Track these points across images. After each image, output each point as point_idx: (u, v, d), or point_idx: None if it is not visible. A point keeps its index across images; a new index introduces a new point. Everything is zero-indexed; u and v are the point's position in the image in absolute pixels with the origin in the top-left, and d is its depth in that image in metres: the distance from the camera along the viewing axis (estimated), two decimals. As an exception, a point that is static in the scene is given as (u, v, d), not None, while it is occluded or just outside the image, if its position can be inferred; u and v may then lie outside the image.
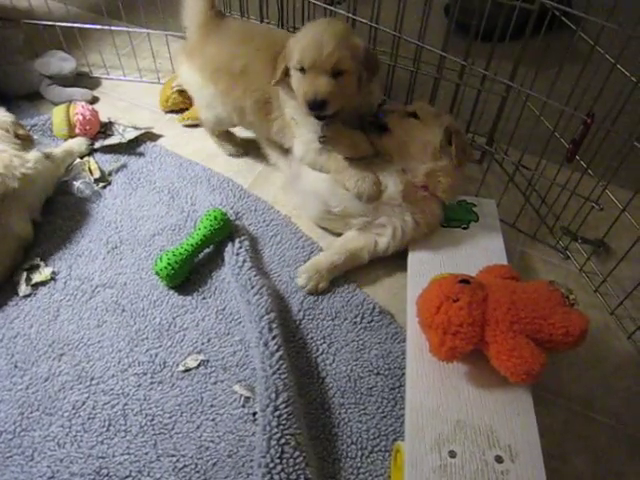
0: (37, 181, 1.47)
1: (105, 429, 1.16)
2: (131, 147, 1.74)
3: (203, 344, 1.30)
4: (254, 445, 1.12)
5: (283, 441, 1.06)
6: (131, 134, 1.74)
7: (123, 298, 1.37)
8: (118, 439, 1.14)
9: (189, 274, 1.41)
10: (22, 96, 1.89)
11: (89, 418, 1.17)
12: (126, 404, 1.19)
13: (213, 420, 1.17)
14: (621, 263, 1.36)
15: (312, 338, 1.31)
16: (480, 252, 1.38)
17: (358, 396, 1.22)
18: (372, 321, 1.34)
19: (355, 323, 1.34)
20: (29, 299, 1.36)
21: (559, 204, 1.51)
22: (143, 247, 1.48)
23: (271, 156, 1.70)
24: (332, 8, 1.68)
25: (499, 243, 1.41)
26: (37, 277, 1.39)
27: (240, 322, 1.34)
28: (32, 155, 1.47)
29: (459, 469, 0.97)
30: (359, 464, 1.12)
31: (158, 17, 1.89)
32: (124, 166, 1.69)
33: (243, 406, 1.20)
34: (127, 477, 1.09)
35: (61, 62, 1.89)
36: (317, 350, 1.29)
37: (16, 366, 1.25)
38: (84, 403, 1.19)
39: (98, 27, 1.96)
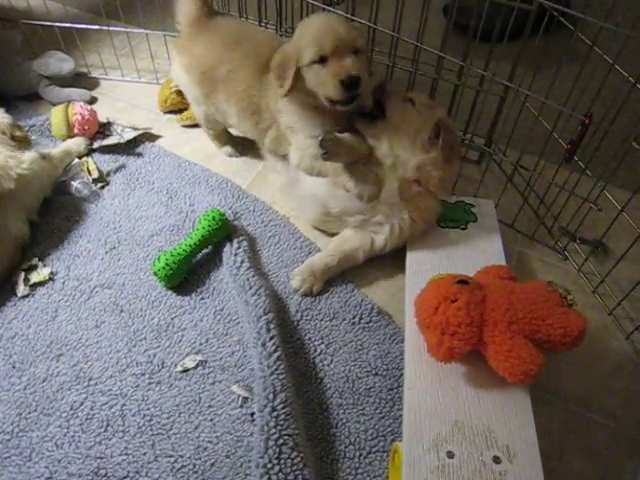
0: (33, 182, 1.46)
1: (103, 429, 1.15)
2: (130, 147, 1.74)
3: (201, 344, 1.29)
4: (252, 445, 1.12)
5: (281, 442, 1.06)
6: (130, 134, 1.74)
7: (121, 298, 1.37)
8: (116, 439, 1.14)
9: (187, 274, 1.41)
10: (21, 96, 1.89)
11: (87, 419, 1.17)
12: (124, 404, 1.19)
13: (211, 420, 1.17)
14: (619, 263, 1.36)
15: (310, 338, 1.31)
16: (478, 252, 1.38)
17: (356, 397, 1.22)
18: (370, 322, 1.34)
19: (353, 324, 1.34)
20: (27, 299, 1.36)
21: (557, 204, 1.51)
22: (141, 247, 1.48)
23: (269, 158, 1.70)
24: (330, 9, 1.68)
25: (497, 243, 1.41)
26: (35, 277, 1.39)
27: (238, 322, 1.33)
28: (28, 156, 1.47)
29: (457, 469, 0.97)
30: (357, 465, 1.12)
31: (156, 17, 1.89)
32: (123, 166, 1.69)
33: (241, 406, 1.20)
34: (125, 477, 1.09)
35: (59, 62, 1.89)
36: (315, 350, 1.29)
37: (14, 366, 1.25)
38: (82, 404, 1.19)
39: (96, 27, 1.96)
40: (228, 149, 1.76)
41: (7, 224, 1.38)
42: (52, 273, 1.41)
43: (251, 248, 1.48)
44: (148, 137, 1.79)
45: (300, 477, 1.03)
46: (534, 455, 0.99)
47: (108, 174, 1.67)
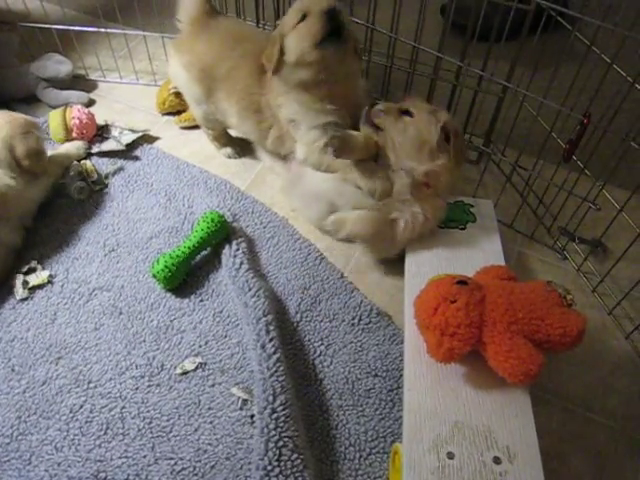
0: (25, 193, 1.46)
1: (103, 432, 1.15)
2: (128, 149, 1.73)
3: (201, 347, 1.29)
4: (252, 448, 1.12)
5: (281, 444, 1.06)
6: (128, 137, 1.74)
7: (120, 301, 1.37)
8: (116, 442, 1.14)
9: (186, 276, 1.41)
10: (18, 99, 1.88)
11: (87, 421, 1.17)
12: (124, 407, 1.19)
13: (211, 423, 1.17)
14: (619, 263, 1.36)
15: (310, 340, 1.31)
16: (477, 253, 1.38)
17: (356, 398, 1.21)
18: (370, 323, 1.34)
19: (353, 325, 1.34)
20: (26, 302, 1.36)
21: (556, 204, 1.50)
22: (140, 250, 1.48)
23: (265, 160, 1.70)
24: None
25: (496, 244, 1.40)
26: (34, 280, 1.39)
27: (237, 324, 1.33)
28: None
29: (457, 470, 0.96)
30: (357, 466, 1.12)
31: (154, 19, 1.89)
32: (121, 169, 1.69)
33: (241, 409, 1.19)
34: (125, 480, 1.09)
35: (57, 65, 1.88)
36: (315, 352, 1.29)
37: (13, 370, 1.24)
38: (81, 406, 1.19)
39: (94, 30, 1.96)
40: (228, 150, 1.76)
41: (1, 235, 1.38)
42: (51, 276, 1.41)
43: (250, 250, 1.47)
44: (146, 139, 1.79)
45: (300, 479, 1.03)
46: (534, 455, 0.98)
47: (107, 176, 1.66)
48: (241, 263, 1.39)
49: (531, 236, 1.57)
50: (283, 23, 1.40)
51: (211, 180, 1.67)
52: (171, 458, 1.12)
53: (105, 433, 1.15)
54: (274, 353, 1.20)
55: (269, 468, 1.04)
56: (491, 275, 1.21)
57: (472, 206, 1.51)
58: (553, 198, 1.51)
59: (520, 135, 1.52)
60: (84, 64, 2.01)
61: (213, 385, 1.23)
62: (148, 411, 1.19)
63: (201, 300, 1.38)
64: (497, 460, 0.98)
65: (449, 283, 1.10)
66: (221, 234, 1.45)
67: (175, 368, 1.25)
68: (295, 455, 1.05)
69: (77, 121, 1.69)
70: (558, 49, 1.30)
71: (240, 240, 1.46)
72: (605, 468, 1.16)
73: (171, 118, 1.88)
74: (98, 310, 1.35)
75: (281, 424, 1.08)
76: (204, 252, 1.46)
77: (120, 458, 1.12)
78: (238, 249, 1.43)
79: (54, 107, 1.79)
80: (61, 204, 1.58)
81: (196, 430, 1.16)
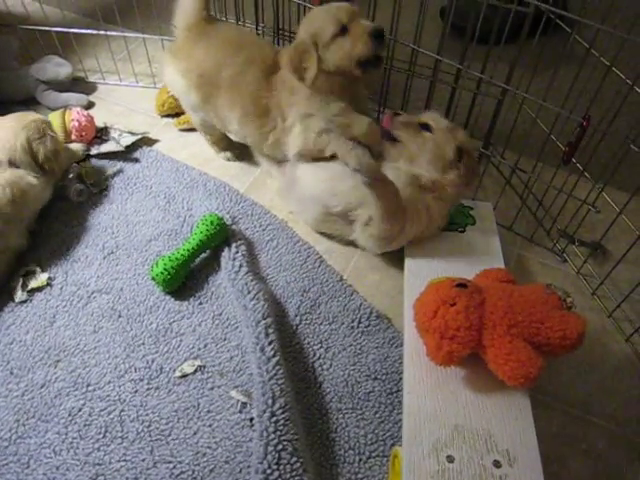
0: (43, 192, 1.49)
1: (102, 436, 1.15)
2: (127, 152, 1.73)
3: (200, 349, 1.29)
4: (251, 451, 1.12)
5: (280, 447, 1.05)
6: (127, 140, 1.74)
7: (119, 304, 1.37)
8: (115, 446, 1.14)
9: (185, 279, 1.41)
10: (18, 101, 1.88)
11: (85, 425, 1.16)
12: (123, 410, 1.19)
13: (210, 426, 1.17)
14: (618, 266, 1.36)
15: (309, 343, 1.31)
16: (477, 255, 1.38)
17: (355, 401, 1.21)
18: (369, 325, 1.34)
19: (352, 328, 1.34)
20: (25, 305, 1.36)
21: (556, 207, 1.50)
22: (139, 252, 1.48)
23: (263, 164, 1.70)
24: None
25: (496, 246, 1.40)
26: (33, 283, 1.39)
27: (237, 327, 1.33)
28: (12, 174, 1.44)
29: (457, 474, 0.96)
30: (357, 469, 1.12)
31: (154, 22, 1.89)
32: (120, 171, 1.69)
33: (240, 412, 1.19)
34: (124, 484, 1.08)
35: (57, 67, 1.89)
36: (314, 355, 1.29)
37: (12, 373, 1.24)
38: (80, 410, 1.19)
39: (94, 32, 1.96)
40: (227, 154, 1.76)
41: (9, 242, 1.39)
42: (50, 278, 1.41)
43: (249, 252, 1.47)
44: (146, 141, 1.79)
45: (299, 482, 1.03)
46: (534, 459, 0.98)
47: (106, 179, 1.66)
48: (240, 266, 1.39)
49: (531, 238, 1.56)
50: (316, 31, 1.42)
51: (210, 183, 1.66)
52: (170, 461, 1.12)
53: (104, 436, 1.15)
54: (273, 356, 1.20)
55: (268, 472, 1.03)
56: (491, 278, 1.21)
57: (472, 208, 1.51)
58: (553, 200, 1.50)
59: (519, 137, 1.53)
60: (83, 66, 2.01)
61: (212, 388, 1.23)
62: (147, 414, 1.18)
63: (200, 303, 1.38)
64: (497, 463, 0.97)
65: (449, 286, 1.10)
66: (220, 237, 1.45)
67: (174, 371, 1.25)
68: (294, 458, 1.05)
69: (76, 123, 1.69)
70: (557, 52, 1.30)
71: (239, 243, 1.45)
72: (605, 471, 1.15)
73: (170, 120, 1.88)
74: (97, 313, 1.35)
75: (280, 427, 1.08)
76: (203, 255, 1.46)
77: (119, 461, 1.11)
78: (237, 252, 1.43)
79: (53, 109, 1.79)
80: (60, 207, 1.58)
81: (195, 433, 1.16)
